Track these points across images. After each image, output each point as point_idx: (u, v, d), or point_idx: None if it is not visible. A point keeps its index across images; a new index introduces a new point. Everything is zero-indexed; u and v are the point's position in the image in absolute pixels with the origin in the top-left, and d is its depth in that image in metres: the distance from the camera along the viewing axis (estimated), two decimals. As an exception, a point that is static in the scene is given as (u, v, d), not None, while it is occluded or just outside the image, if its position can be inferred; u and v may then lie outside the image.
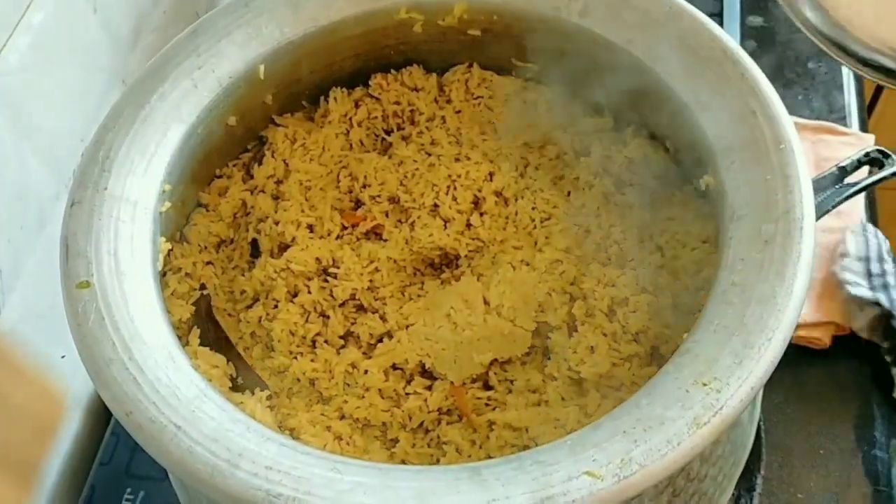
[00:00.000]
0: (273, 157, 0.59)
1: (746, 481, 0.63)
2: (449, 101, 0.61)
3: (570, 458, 0.38)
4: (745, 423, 0.54)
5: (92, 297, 0.44)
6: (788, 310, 0.41)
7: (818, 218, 0.50)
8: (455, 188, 0.56)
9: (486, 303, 0.52)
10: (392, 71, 0.61)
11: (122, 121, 0.50)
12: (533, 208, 0.56)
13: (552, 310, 0.52)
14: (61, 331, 0.44)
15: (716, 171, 0.48)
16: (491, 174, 0.57)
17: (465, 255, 0.54)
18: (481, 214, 0.56)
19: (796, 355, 0.68)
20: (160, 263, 0.49)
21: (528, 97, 0.61)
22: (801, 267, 0.42)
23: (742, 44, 0.59)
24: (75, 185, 0.48)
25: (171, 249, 0.53)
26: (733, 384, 0.39)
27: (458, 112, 0.61)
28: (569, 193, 0.57)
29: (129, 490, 0.67)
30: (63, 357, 0.66)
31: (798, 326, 0.64)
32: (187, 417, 0.40)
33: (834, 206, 0.53)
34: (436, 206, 0.56)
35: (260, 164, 0.59)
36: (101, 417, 0.71)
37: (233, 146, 0.58)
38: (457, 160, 0.58)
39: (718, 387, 0.39)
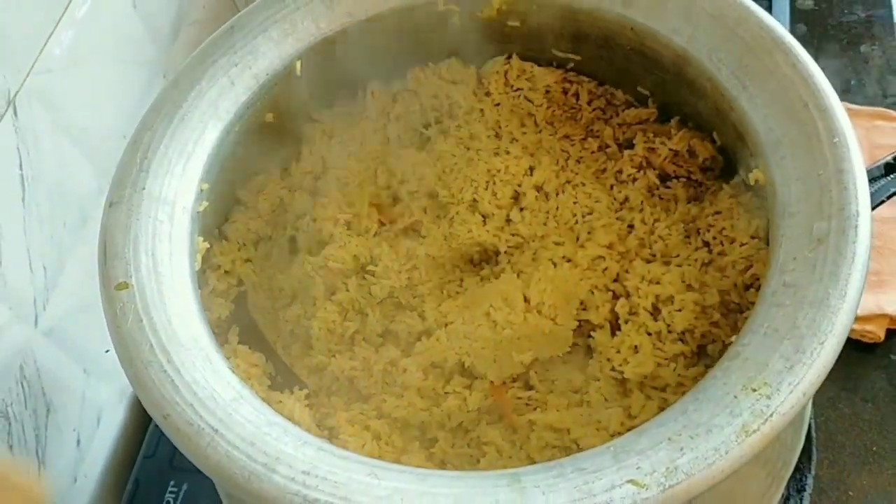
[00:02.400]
0: (310, 153, 0.58)
1: (797, 481, 0.61)
2: (488, 94, 0.60)
3: (613, 466, 0.37)
4: (796, 425, 0.52)
5: (130, 299, 0.44)
6: (842, 313, 0.39)
7: (872, 209, 0.48)
8: (494, 183, 0.55)
9: (526, 301, 0.51)
10: (430, 64, 0.60)
11: (159, 120, 0.50)
12: (574, 203, 0.55)
13: (594, 308, 0.51)
14: (103, 327, 0.44)
15: (766, 165, 0.46)
16: (531, 168, 0.56)
17: (505, 252, 0.53)
18: (521, 210, 0.55)
19: (848, 349, 0.65)
20: (198, 263, 0.49)
21: (570, 88, 0.60)
22: (855, 267, 0.40)
23: (792, 28, 0.57)
24: (114, 185, 0.48)
25: (210, 247, 0.53)
26: (784, 390, 0.37)
27: (498, 105, 0.60)
28: (611, 187, 0.56)
29: (172, 483, 0.67)
30: (107, 352, 0.66)
31: None
32: (224, 420, 0.40)
33: (889, 197, 0.50)
34: (474, 201, 0.55)
35: (297, 160, 0.58)
36: (144, 411, 0.71)
37: (271, 143, 0.58)
38: (496, 154, 0.57)
39: (768, 392, 0.37)
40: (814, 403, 0.64)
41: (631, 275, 0.51)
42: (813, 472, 0.62)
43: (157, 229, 0.47)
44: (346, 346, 0.52)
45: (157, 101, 0.51)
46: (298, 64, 0.55)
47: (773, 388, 0.37)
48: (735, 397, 0.38)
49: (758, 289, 0.46)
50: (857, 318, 0.65)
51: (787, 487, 0.58)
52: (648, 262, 0.52)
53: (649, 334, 0.49)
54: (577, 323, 0.51)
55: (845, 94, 0.76)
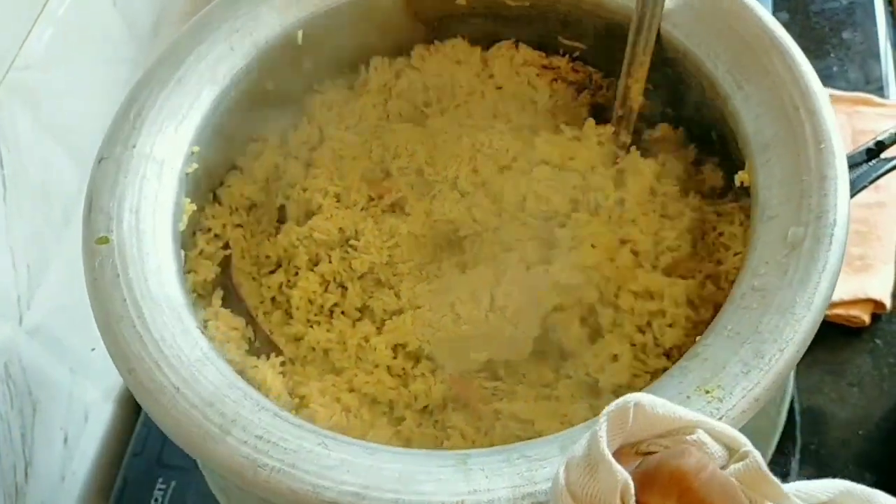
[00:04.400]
0: (309, 123, 0.59)
1: (781, 466, 0.60)
2: (491, 77, 0.60)
3: (559, 456, 0.37)
4: (771, 414, 0.51)
5: (109, 254, 0.45)
6: (806, 321, 0.38)
7: (854, 194, 0.46)
8: (477, 159, 0.55)
9: (492, 299, 0.50)
10: (435, 42, 0.60)
11: (156, 80, 0.51)
12: (560, 194, 0.54)
13: (573, 312, 0.50)
14: (88, 325, 0.44)
15: (752, 166, 0.45)
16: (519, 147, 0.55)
17: (478, 233, 0.53)
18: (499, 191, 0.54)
19: (834, 334, 0.65)
20: (183, 224, 0.50)
21: (575, 78, 0.59)
22: (826, 276, 0.39)
23: (774, 15, 0.55)
24: (105, 141, 0.49)
25: (203, 210, 0.54)
26: (737, 394, 0.37)
27: (500, 88, 0.59)
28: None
29: (160, 480, 0.67)
30: (93, 350, 0.66)
31: (836, 304, 0.62)
32: (187, 380, 0.41)
33: (871, 182, 0.49)
34: (456, 177, 0.55)
35: (296, 130, 0.59)
36: (132, 408, 0.71)
37: (271, 111, 0.58)
38: (482, 130, 0.56)
39: (721, 395, 0.37)
40: (799, 388, 0.64)
41: (622, 286, 0.50)
42: (797, 456, 0.61)
43: (143, 187, 0.48)
44: (324, 318, 0.53)
45: (155, 62, 0.52)
46: (300, 34, 0.55)
47: (727, 391, 0.37)
48: (687, 397, 0.38)
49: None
50: (843, 303, 0.65)
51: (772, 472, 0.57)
52: (647, 271, 0.50)
53: (633, 345, 0.48)
54: (540, 330, 0.49)
55: (828, 80, 0.75)
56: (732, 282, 0.47)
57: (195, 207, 0.51)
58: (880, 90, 0.77)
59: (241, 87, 0.54)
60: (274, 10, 0.54)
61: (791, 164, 0.43)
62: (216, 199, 0.56)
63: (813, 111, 0.44)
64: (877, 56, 0.79)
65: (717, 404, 0.37)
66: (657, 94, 0.57)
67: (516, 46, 0.60)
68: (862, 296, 0.65)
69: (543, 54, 0.60)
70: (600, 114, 0.58)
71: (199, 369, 0.42)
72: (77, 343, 0.65)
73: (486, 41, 0.60)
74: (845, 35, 0.77)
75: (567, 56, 0.60)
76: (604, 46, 0.57)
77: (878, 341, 0.65)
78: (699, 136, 0.55)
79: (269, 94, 0.56)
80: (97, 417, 0.69)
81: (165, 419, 0.40)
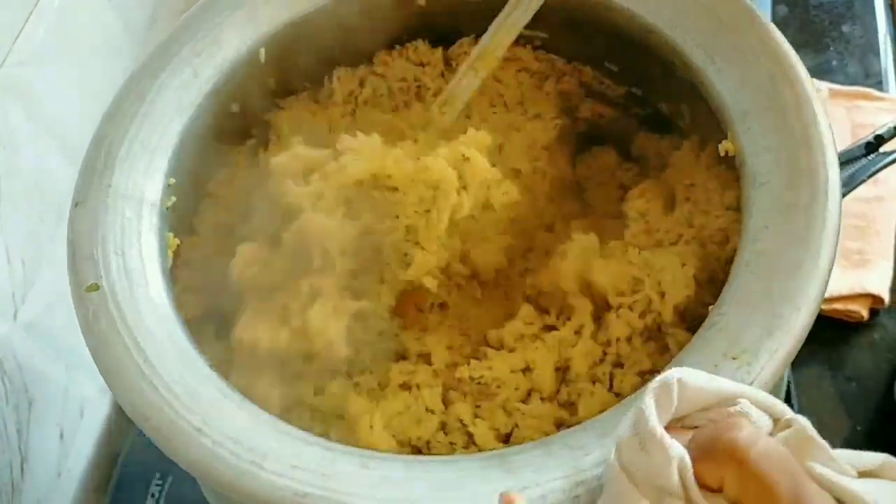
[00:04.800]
0: (278, 141, 0.58)
1: None
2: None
3: (598, 441, 0.37)
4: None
5: (102, 300, 0.43)
6: (816, 278, 0.39)
7: (855, 187, 0.48)
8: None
9: None
10: (397, 47, 0.60)
11: (122, 114, 0.49)
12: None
13: None
14: None
15: (734, 136, 0.46)
16: (500, 147, 0.56)
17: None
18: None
19: (832, 329, 0.65)
20: (169, 260, 0.48)
21: (539, 68, 0.60)
22: (827, 233, 0.40)
23: (773, 8, 0.56)
24: (79, 183, 0.47)
25: (181, 243, 0.52)
26: (763, 357, 0.38)
27: (466, 86, 0.59)
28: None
29: (158, 475, 0.67)
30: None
31: (834, 299, 0.62)
32: (208, 419, 0.40)
33: (870, 176, 0.50)
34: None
35: (265, 149, 0.57)
36: None
37: (238, 133, 0.57)
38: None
39: (749, 360, 0.38)
40: (797, 383, 0.64)
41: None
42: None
43: (125, 227, 0.46)
44: None
45: (119, 95, 0.50)
46: (262, 51, 0.54)
47: (753, 355, 0.38)
48: (715, 366, 0.38)
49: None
50: (841, 298, 0.65)
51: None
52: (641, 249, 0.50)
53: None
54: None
55: (827, 74, 0.75)
56: (720, 243, 0.49)
57: (178, 241, 0.50)
58: (879, 84, 0.77)
59: (209, 112, 0.52)
60: (234, 29, 0.53)
61: (774, 129, 0.44)
62: (192, 229, 0.55)
63: (790, 77, 0.45)
64: (876, 50, 0.78)
65: (746, 369, 0.37)
66: (623, 76, 0.58)
67: (477, 42, 0.60)
68: (860, 290, 0.65)
69: (504, 47, 0.60)
70: (569, 102, 0.59)
71: (217, 406, 0.40)
72: (72, 339, 0.63)
73: (447, 41, 0.60)
74: (845, 29, 0.77)
75: (529, 46, 0.60)
76: (565, 33, 0.58)
77: (876, 336, 0.65)
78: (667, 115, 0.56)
79: (236, 115, 0.55)
80: (93, 413, 0.68)
81: (193, 462, 0.39)
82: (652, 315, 0.48)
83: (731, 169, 0.50)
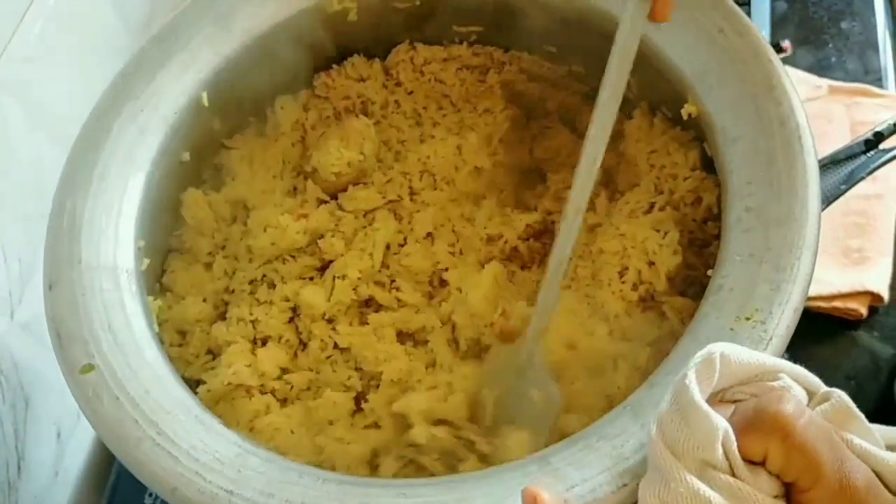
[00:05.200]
0: (233, 181, 0.56)
1: None
2: (399, 84, 0.59)
3: (635, 425, 0.37)
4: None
5: (100, 380, 0.41)
6: (809, 224, 0.40)
7: (854, 184, 0.48)
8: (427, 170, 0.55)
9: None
10: (334, 66, 0.59)
11: (78, 184, 0.47)
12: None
13: None
14: None
15: (696, 97, 0.47)
16: (459, 147, 0.56)
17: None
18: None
19: (832, 326, 0.64)
20: (156, 326, 0.47)
21: (478, 62, 0.60)
22: (810, 177, 0.41)
23: (772, 5, 0.55)
24: (47, 262, 0.45)
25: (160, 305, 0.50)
26: (776, 312, 0.38)
27: (411, 93, 0.59)
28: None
29: None
30: None
31: (834, 297, 0.62)
32: (236, 479, 0.39)
33: (869, 173, 0.50)
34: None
35: (219, 192, 0.56)
36: None
37: (192, 180, 0.55)
38: (422, 142, 0.56)
39: (762, 318, 0.38)
40: None
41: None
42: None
43: (106, 301, 0.44)
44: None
45: (69, 165, 0.48)
46: (205, 94, 0.52)
47: (765, 312, 0.38)
48: (731, 329, 0.38)
49: (715, 220, 0.47)
50: (841, 296, 0.64)
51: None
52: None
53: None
54: None
55: (826, 70, 0.74)
56: (693, 203, 0.49)
57: (160, 304, 0.48)
58: (879, 81, 0.76)
59: (162, 166, 0.51)
60: (172, 77, 0.51)
61: (735, 83, 0.45)
62: (164, 288, 0.53)
63: (739, 30, 0.45)
64: (875, 47, 0.77)
65: (762, 327, 0.38)
66: (562, 56, 0.58)
67: (413, 48, 0.59)
68: (860, 288, 0.64)
69: (441, 47, 0.60)
70: (513, 90, 0.59)
71: (242, 464, 0.39)
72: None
73: (382, 52, 0.59)
74: (844, 25, 0.75)
75: (465, 43, 0.59)
76: (498, 24, 0.58)
77: (875, 334, 0.64)
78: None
79: (187, 164, 0.54)
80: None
81: (230, 525, 0.38)
82: (644, 286, 0.48)
83: (686, 130, 0.51)
